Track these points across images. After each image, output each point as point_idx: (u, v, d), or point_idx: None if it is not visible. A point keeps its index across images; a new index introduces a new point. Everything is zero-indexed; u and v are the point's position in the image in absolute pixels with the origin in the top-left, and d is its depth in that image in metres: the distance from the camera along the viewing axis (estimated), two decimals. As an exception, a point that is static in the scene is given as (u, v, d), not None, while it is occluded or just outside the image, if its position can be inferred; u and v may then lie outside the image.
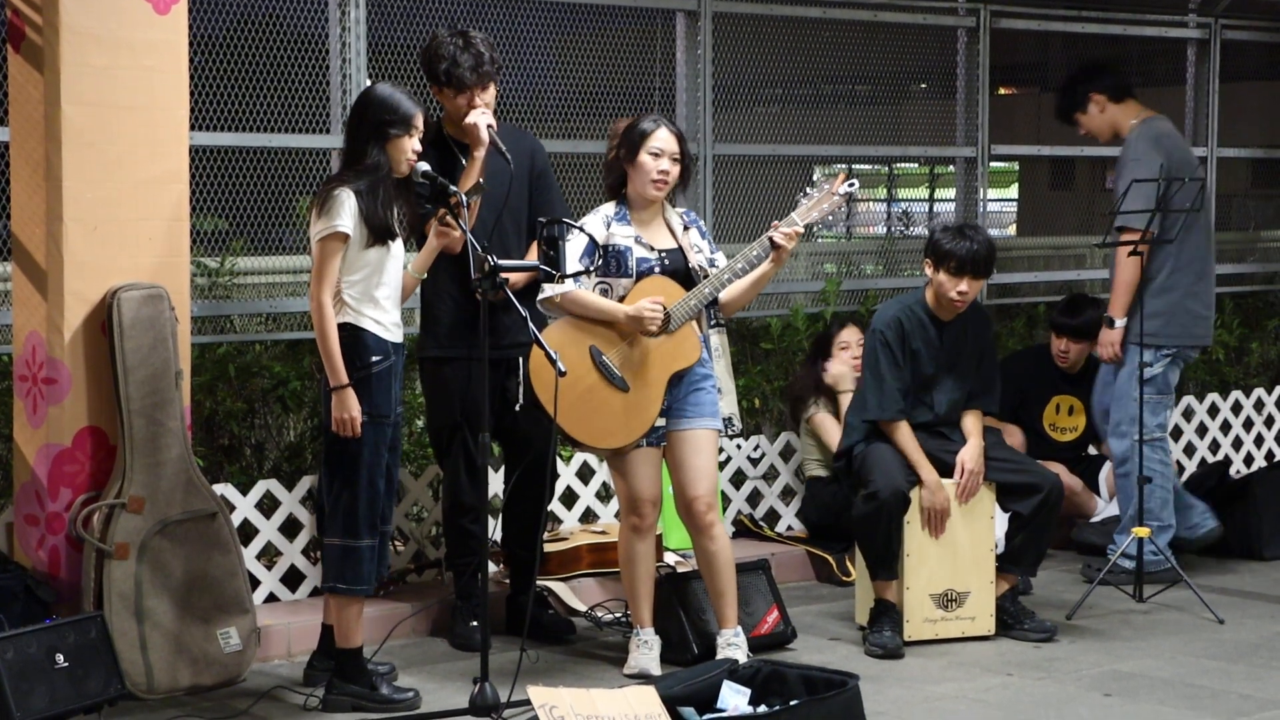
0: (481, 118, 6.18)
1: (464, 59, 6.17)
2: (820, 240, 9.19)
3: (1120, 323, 7.39)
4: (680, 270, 6.03)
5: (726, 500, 7.83)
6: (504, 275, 5.38)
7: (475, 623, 6.29)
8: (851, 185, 6.10)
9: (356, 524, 5.61)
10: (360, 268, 5.56)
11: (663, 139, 5.99)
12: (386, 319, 5.64)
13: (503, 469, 6.70)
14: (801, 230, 6.01)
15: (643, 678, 5.89)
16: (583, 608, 6.85)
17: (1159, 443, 7.45)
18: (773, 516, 7.99)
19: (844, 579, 7.44)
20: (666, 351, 5.98)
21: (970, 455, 6.54)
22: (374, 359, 5.58)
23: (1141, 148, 7.47)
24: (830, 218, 6.15)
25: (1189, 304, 7.50)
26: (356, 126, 5.64)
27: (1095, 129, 7.73)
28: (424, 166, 5.62)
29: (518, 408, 5.95)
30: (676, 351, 5.99)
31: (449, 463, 6.42)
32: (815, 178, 9.22)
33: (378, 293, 5.60)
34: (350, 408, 5.51)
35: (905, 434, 6.54)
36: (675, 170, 6.01)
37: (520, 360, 5.91)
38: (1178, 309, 7.45)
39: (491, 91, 6.26)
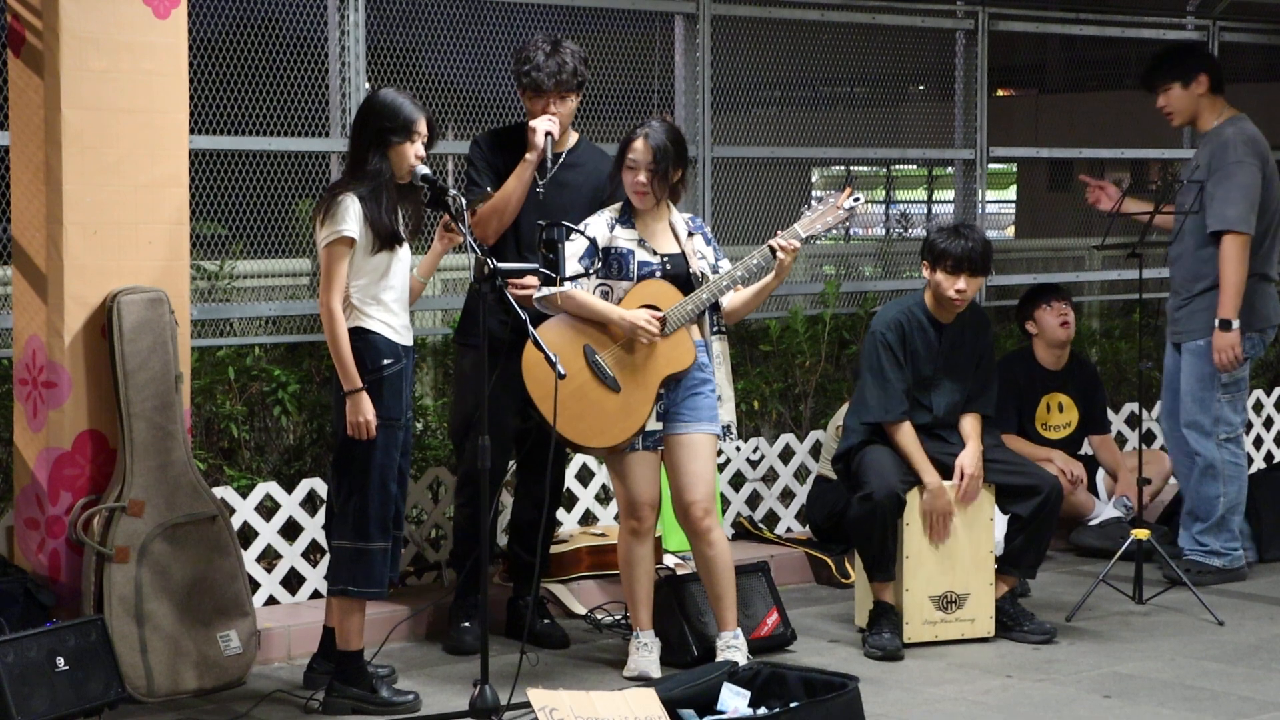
0: (541, 124, 6.16)
1: (547, 65, 6.15)
2: (819, 242, 9.19)
3: (1236, 323, 7.36)
4: (681, 275, 6.03)
5: (726, 502, 7.83)
6: (504, 279, 5.39)
7: (467, 624, 6.31)
8: (856, 199, 6.10)
9: (368, 527, 5.62)
10: (367, 272, 5.56)
11: (637, 150, 5.97)
12: (396, 322, 5.64)
13: (512, 468, 6.70)
14: (799, 246, 6.01)
15: (642, 680, 5.89)
16: (582, 610, 6.85)
17: (1239, 439, 7.58)
18: (772, 518, 7.99)
19: (843, 581, 7.44)
20: (661, 354, 5.97)
21: (969, 459, 6.54)
22: (385, 362, 5.59)
23: (1242, 150, 7.42)
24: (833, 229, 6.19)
25: (1261, 285, 7.52)
26: (358, 133, 5.64)
27: (1178, 109, 7.57)
28: (423, 170, 5.61)
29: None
30: (671, 354, 5.99)
31: (463, 464, 6.43)
32: (814, 179, 9.26)
33: (385, 296, 5.61)
34: (365, 410, 5.52)
35: (908, 435, 6.53)
36: (650, 180, 5.96)
37: None
38: (1253, 291, 7.44)
39: (570, 104, 6.23)
